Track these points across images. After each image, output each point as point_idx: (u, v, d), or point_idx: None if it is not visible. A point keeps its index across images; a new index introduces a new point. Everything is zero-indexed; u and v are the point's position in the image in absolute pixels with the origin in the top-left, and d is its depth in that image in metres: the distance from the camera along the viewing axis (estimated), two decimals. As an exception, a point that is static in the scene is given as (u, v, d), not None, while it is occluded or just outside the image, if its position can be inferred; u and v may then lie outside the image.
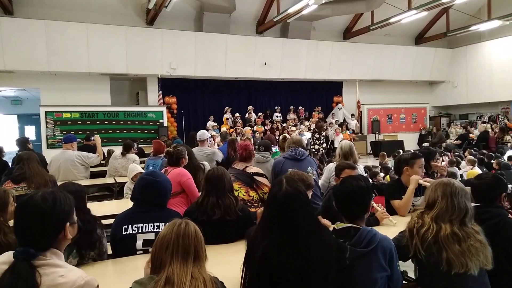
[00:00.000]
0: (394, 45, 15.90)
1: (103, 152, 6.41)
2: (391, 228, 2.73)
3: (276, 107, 14.70)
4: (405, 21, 12.88)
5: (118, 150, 6.26)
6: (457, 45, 16.87)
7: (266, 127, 13.49)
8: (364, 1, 12.84)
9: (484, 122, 14.78)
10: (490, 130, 12.90)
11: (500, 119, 14.93)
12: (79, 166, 5.64)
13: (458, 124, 16.01)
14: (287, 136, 6.46)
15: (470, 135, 13.76)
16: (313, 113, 15.15)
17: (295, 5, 10.76)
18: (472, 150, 9.46)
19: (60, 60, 11.06)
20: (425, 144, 13.51)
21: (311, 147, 12.24)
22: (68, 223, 1.53)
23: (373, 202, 2.65)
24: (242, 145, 3.81)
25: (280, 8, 12.06)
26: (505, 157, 8.64)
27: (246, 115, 13.83)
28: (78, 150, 5.90)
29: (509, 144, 11.30)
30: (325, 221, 2.56)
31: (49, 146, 11.23)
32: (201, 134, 5.83)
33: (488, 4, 13.48)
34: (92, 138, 7.32)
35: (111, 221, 2.67)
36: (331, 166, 4.01)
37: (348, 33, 15.57)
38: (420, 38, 16.91)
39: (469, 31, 14.15)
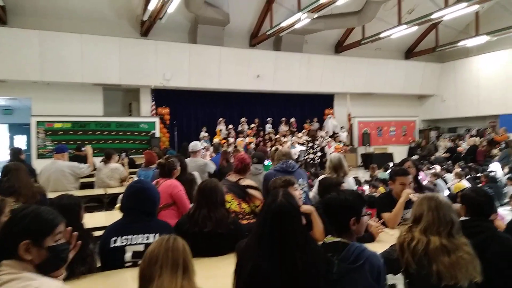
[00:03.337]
0: (385, 59, 16.17)
1: (94, 163, 6.38)
2: (388, 244, 2.63)
3: (268, 118, 14.78)
4: (395, 36, 13.14)
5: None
6: (446, 60, 17.20)
7: (258, 139, 13.55)
8: (355, 16, 13.08)
9: (472, 136, 15.00)
10: (478, 144, 13.09)
11: (487, 132, 15.18)
12: (70, 176, 5.60)
13: (447, 137, 16.22)
14: (279, 147, 6.51)
15: (458, 148, 13.94)
16: (304, 124, 15.27)
17: (288, 19, 10.94)
18: (462, 163, 9.60)
19: (53, 70, 11.04)
20: (415, 157, 13.66)
21: (306, 156, 12.32)
22: (25, 242, 1.47)
23: (368, 219, 2.65)
24: (239, 157, 3.79)
25: (273, 22, 12.25)
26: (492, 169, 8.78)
27: (240, 127, 13.89)
28: (69, 161, 5.87)
29: (496, 158, 11.46)
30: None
31: (40, 156, 11.14)
32: (194, 145, 5.84)
33: (476, 20, 13.82)
34: (83, 149, 7.28)
35: (100, 233, 2.66)
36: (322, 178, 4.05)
37: (340, 47, 15.81)
38: (410, 53, 17.23)
39: (457, 46, 14.46)
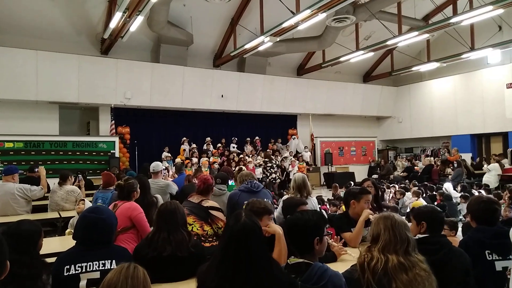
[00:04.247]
0: (344, 82, 16.81)
1: (48, 185, 6.04)
2: (350, 262, 2.61)
3: (233, 138, 14.78)
4: (354, 60, 13.73)
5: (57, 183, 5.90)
6: (401, 84, 18.15)
7: (223, 158, 13.47)
8: (316, 41, 13.56)
9: (427, 156, 15.75)
10: (433, 163, 13.75)
11: (441, 152, 16.02)
12: (20, 199, 5.26)
13: (404, 157, 16.93)
14: (243, 168, 6.49)
15: (415, 167, 14.57)
16: (269, 144, 15.39)
17: (251, 41, 11.14)
18: (416, 182, 9.99)
19: (5, 87, 10.53)
20: (374, 176, 14.08)
21: (270, 177, 12.37)
22: None
23: (329, 239, 2.67)
24: (202, 178, 3.68)
25: (237, 44, 12.42)
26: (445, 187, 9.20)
27: (204, 146, 13.76)
28: (20, 183, 5.52)
29: (450, 176, 12.05)
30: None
31: (-13, 177, 10.39)
32: (155, 165, 5.68)
33: (427, 47, 14.76)
34: (36, 170, 6.87)
35: (54, 259, 2.50)
36: (286, 198, 4.05)
37: (302, 70, 16.28)
38: (368, 76, 18.04)
39: (411, 71, 15.35)
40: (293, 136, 16.19)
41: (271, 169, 12.37)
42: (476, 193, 7.99)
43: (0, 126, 10.95)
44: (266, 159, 12.67)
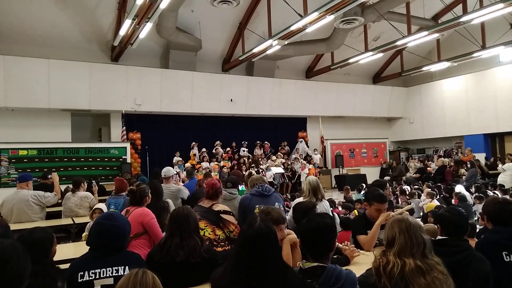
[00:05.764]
0: (354, 84, 16.71)
1: (61, 191, 6.11)
2: (364, 265, 2.57)
3: (243, 142, 14.78)
4: (363, 62, 13.64)
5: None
6: (411, 84, 17.97)
7: (233, 162, 13.48)
8: (324, 43, 13.52)
9: (440, 156, 15.51)
10: (446, 164, 13.53)
11: (454, 153, 15.78)
12: (34, 206, 5.33)
13: (416, 158, 16.71)
14: (253, 172, 6.49)
15: (428, 168, 14.36)
16: (279, 147, 15.35)
17: (260, 45, 11.15)
18: (430, 183, 9.83)
19: (18, 96, 10.72)
20: (386, 178, 13.92)
21: None
22: None
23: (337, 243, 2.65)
24: (209, 183, 3.69)
25: (245, 48, 12.45)
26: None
27: (214, 150, 13.80)
28: (34, 189, 5.60)
29: (464, 177, 11.84)
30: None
31: (2, 185, 10.59)
32: (166, 171, 5.71)
33: (438, 47, 14.60)
34: (49, 176, 6.96)
35: (68, 265, 2.51)
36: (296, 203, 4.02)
37: (310, 72, 16.24)
38: (377, 77, 17.90)
39: (422, 71, 15.18)
40: (300, 139, 16.12)
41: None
42: (491, 194, 7.84)
43: (14, 134, 11.15)
44: (253, 165, 12.59)
